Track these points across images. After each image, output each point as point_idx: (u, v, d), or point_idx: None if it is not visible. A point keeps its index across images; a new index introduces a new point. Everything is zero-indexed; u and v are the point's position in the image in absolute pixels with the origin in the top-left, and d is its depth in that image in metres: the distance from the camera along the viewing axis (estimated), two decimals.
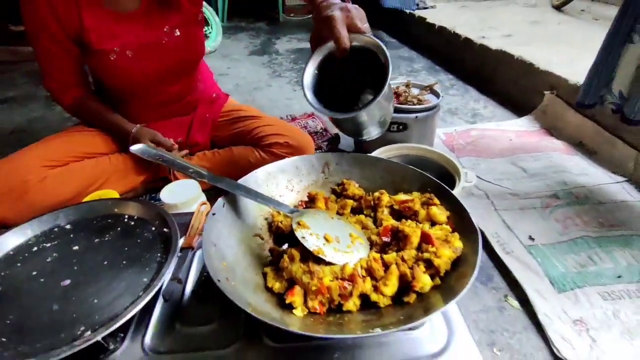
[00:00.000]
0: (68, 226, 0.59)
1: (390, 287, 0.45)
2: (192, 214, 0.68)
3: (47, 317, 0.45)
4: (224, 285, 0.41)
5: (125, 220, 0.60)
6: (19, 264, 0.52)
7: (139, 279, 0.49)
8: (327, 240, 0.50)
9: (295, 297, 0.45)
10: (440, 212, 0.53)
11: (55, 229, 0.58)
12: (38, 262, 0.53)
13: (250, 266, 0.51)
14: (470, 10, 2.58)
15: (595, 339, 0.66)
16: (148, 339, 0.48)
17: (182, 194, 0.83)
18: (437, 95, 1.14)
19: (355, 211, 0.60)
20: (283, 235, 0.56)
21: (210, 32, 2.48)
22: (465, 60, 1.97)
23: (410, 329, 0.48)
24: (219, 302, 0.52)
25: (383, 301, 0.45)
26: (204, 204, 0.75)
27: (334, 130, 1.34)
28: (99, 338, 0.41)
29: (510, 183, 1.09)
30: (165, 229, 0.56)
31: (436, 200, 0.55)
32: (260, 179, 0.60)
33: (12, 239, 0.56)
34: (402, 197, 0.57)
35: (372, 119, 0.62)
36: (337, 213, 0.59)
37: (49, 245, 0.55)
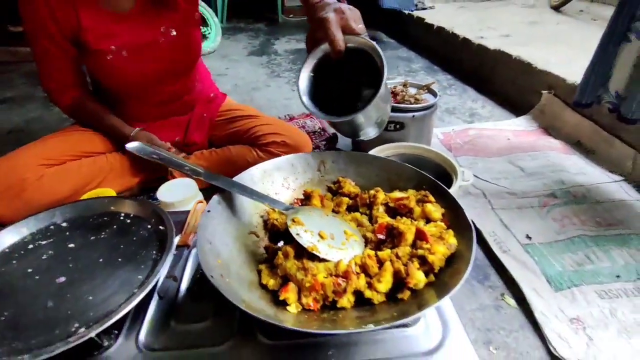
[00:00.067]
0: (64, 224, 0.59)
1: (385, 283, 0.45)
2: (188, 212, 0.68)
3: (41, 314, 0.45)
4: (217, 282, 0.41)
5: (122, 218, 0.60)
6: (14, 262, 0.52)
7: (134, 277, 0.49)
8: (321, 237, 0.50)
9: (289, 293, 0.45)
10: (435, 210, 0.53)
11: (52, 227, 0.58)
12: (34, 259, 0.53)
13: (245, 263, 0.51)
14: (468, 11, 2.58)
15: (592, 338, 0.66)
16: (142, 336, 0.48)
17: (179, 193, 0.83)
18: (434, 94, 1.14)
19: (351, 209, 0.60)
20: (278, 233, 0.56)
21: (209, 33, 2.49)
22: (463, 61, 1.98)
23: (404, 325, 0.48)
24: (213, 299, 0.52)
25: (377, 298, 0.45)
26: (201, 202, 0.75)
27: (331, 130, 1.34)
28: (92, 335, 0.41)
29: (507, 182, 1.09)
30: (161, 227, 0.56)
31: (431, 198, 0.55)
32: (256, 176, 0.61)
33: (8, 237, 0.56)
34: (397, 194, 0.57)
35: (369, 120, 0.62)
36: (333, 211, 0.59)
37: (44, 242, 0.55)
